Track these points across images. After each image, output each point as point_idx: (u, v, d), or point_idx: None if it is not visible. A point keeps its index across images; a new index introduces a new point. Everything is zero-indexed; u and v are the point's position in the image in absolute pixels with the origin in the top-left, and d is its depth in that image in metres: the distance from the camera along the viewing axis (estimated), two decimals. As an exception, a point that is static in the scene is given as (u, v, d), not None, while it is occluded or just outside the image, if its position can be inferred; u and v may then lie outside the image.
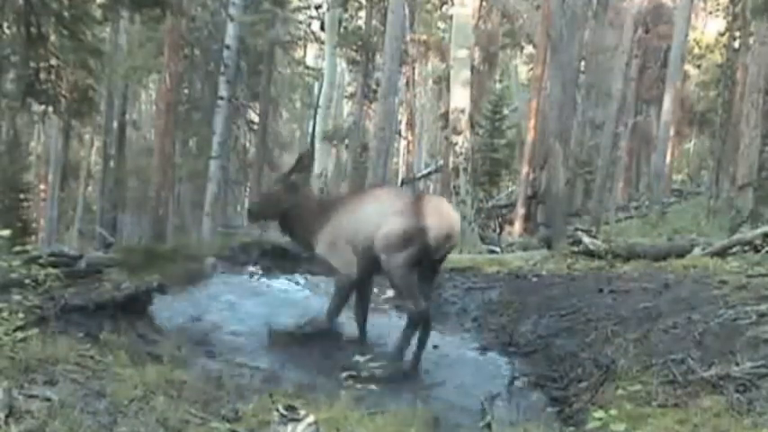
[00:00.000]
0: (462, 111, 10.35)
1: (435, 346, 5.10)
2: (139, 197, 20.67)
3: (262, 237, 11.36)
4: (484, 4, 19.95)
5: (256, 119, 20.72)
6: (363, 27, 18.82)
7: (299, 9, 21.32)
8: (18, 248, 4.89)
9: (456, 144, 10.30)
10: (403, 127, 23.66)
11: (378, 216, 4.82)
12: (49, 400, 2.76)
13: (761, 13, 11.84)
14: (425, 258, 4.74)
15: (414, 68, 21.71)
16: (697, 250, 6.93)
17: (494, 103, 19.41)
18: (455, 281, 6.98)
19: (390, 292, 6.12)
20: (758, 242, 6.62)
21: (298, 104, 30.19)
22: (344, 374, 3.70)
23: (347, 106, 26.66)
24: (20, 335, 3.31)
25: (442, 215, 4.77)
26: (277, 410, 2.84)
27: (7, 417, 2.55)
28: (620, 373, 3.94)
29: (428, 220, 4.68)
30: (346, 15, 19.06)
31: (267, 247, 7.96)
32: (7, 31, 8.15)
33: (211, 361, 4.52)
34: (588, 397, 3.99)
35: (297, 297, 6.41)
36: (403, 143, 25.55)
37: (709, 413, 3.17)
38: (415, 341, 4.76)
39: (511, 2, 21.90)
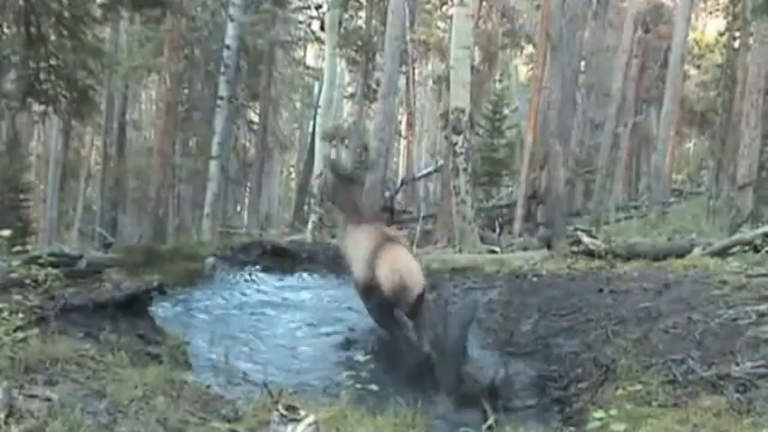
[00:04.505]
0: (462, 111, 10.31)
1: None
2: (139, 197, 20.66)
3: (262, 237, 11.37)
4: (484, 4, 19.91)
5: (256, 119, 20.74)
6: (363, 27, 18.79)
7: (299, 9, 21.31)
8: (18, 248, 4.90)
9: (456, 144, 10.25)
10: (403, 127, 23.65)
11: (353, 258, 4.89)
12: (49, 400, 2.76)
13: (761, 13, 11.82)
14: (397, 306, 4.38)
15: (414, 68, 21.69)
16: (697, 250, 6.93)
17: (494, 103, 19.38)
18: (455, 281, 6.98)
19: None
20: (758, 242, 6.63)
21: (298, 104, 30.18)
22: (345, 374, 3.70)
23: (347, 106, 26.64)
24: (20, 335, 3.31)
25: (393, 269, 4.49)
26: (277, 410, 2.83)
27: (7, 417, 2.55)
28: (620, 373, 3.94)
29: (379, 273, 4.45)
30: (346, 15, 19.01)
31: (267, 247, 7.97)
32: (7, 31, 8.13)
33: (212, 361, 4.52)
34: (588, 397, 3.99)
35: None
36: (403, 143, 25.55)
37: (709, 413, 3.17)
38: None
39: (511, 2, 21.92)
